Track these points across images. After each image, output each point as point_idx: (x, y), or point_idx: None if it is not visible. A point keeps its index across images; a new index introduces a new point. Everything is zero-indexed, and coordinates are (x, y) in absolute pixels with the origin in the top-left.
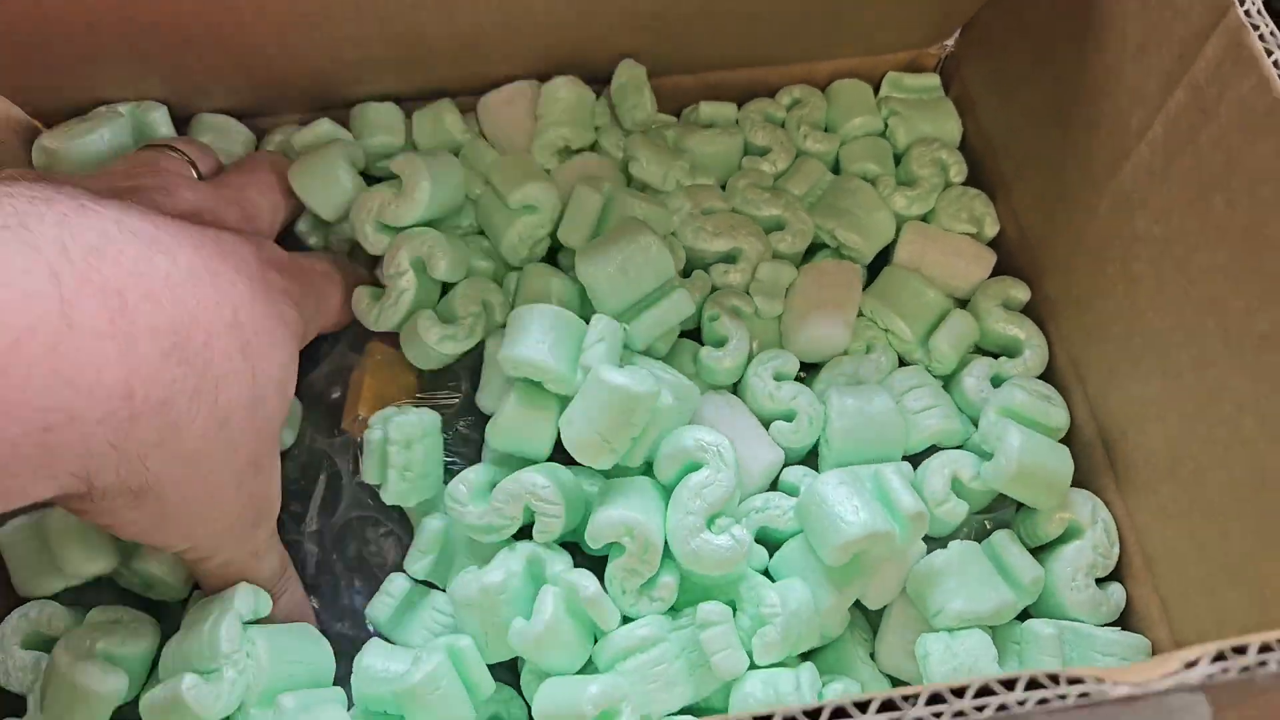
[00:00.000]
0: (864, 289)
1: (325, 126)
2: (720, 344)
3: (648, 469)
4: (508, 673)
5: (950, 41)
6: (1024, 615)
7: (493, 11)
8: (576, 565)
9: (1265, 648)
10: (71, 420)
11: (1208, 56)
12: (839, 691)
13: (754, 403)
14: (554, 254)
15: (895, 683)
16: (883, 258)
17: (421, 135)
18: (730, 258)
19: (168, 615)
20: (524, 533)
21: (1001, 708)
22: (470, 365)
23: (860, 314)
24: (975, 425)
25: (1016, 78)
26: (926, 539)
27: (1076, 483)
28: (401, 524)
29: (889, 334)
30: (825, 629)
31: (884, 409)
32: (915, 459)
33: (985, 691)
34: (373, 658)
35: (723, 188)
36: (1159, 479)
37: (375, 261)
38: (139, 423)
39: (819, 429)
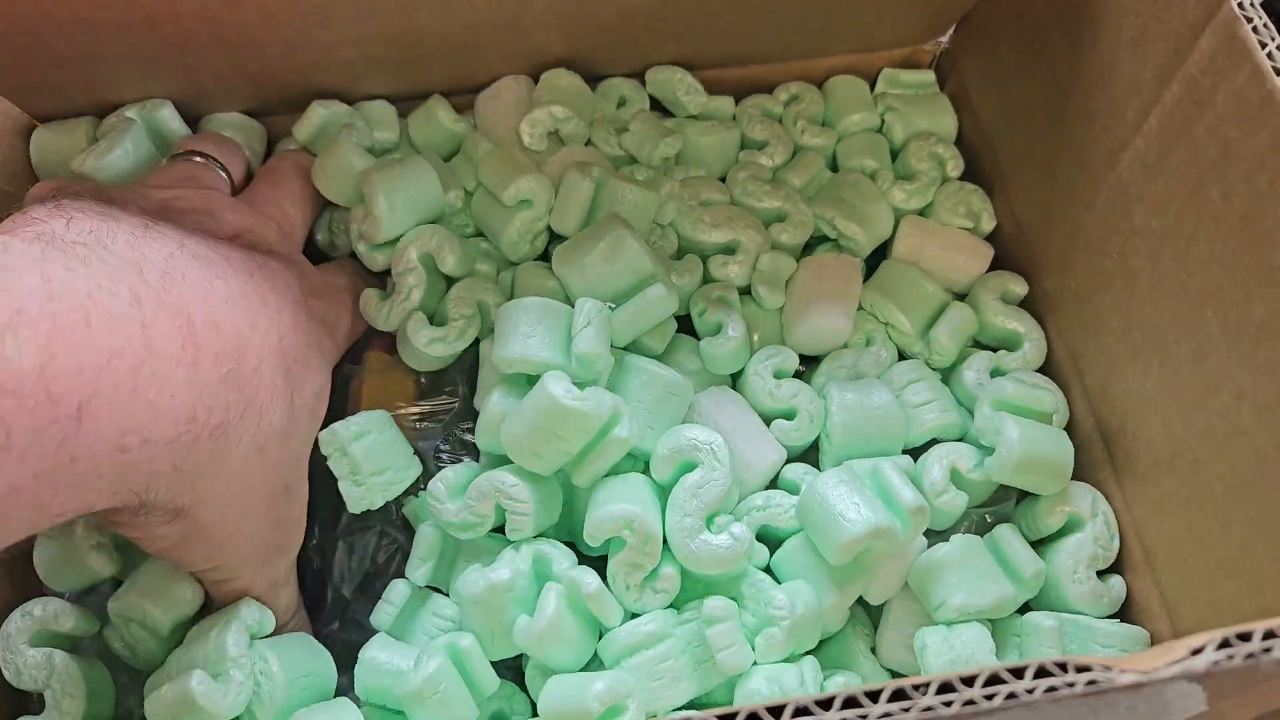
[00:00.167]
0: (863, 282)
1: (320, 112)
2: (716, 331)
3: (645, 468)
4: (510, 670)
5: (945, 38)
6: (1025, 608)
7: (489, 11)
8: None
9: (1269, 634)
10: (145, 442)
11: (1202, 49)
12: (841, 685)
13: (754, 401)
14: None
15: (896, 676)
16: (880, 253)
17: (417, 133)
18: (729, 249)
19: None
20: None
21: (1011, 696)
22: (467, 368)
23: (860, 307)
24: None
25: (1012, 73)
26: (927, 533)
27: (1076, 476)
28: (405, 533)
29: (888, 326)
30: (827, 626)
31: (884, 403)
32: (915, 453)
33: (994, 680)
34: (377, 651)
35: (722, 180)
36: (1158, 471)
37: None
38: (198, 445)
39: (820, 426)
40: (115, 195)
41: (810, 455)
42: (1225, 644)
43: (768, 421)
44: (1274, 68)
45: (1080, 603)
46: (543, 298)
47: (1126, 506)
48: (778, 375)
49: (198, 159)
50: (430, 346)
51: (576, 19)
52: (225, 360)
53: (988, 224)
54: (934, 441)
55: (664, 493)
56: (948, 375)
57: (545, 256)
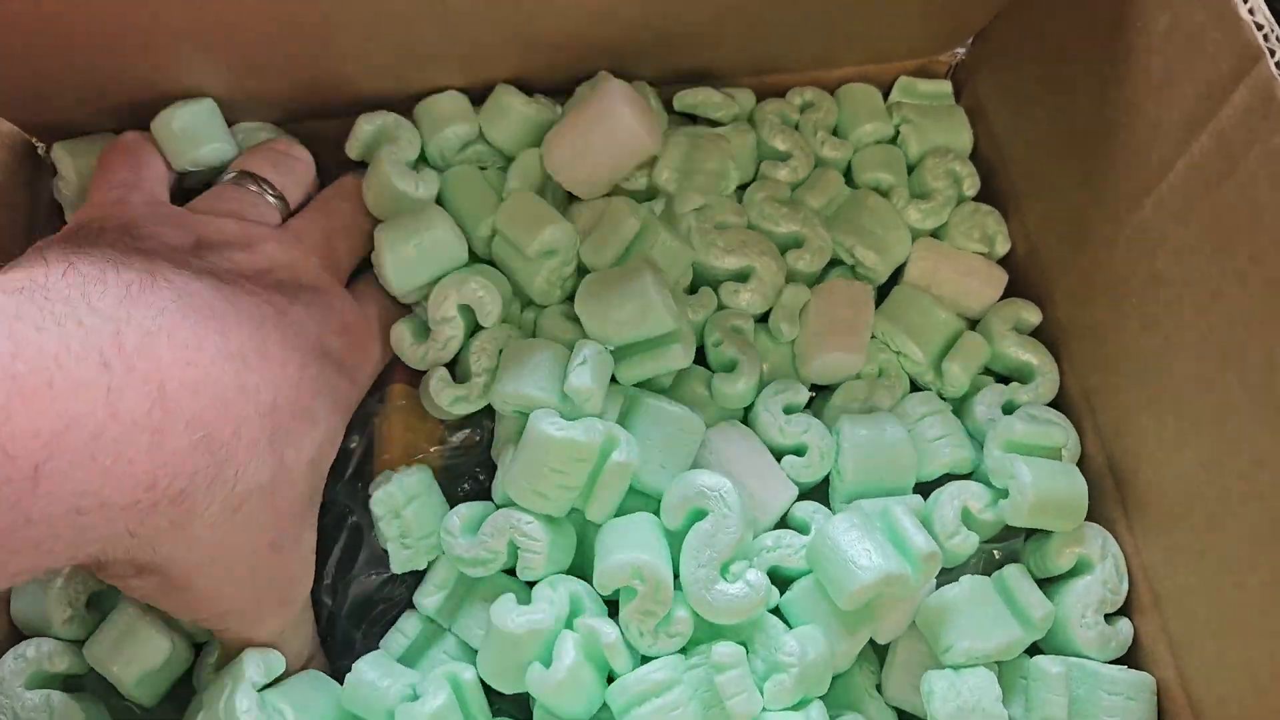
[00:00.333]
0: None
1: (365, 128)
2: (730, 368)
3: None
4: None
5: (961, 50)
6: (1033, 649)
7: (498, 22)
8: None
9: None
10: (102, 505)
11: (1235, 104)
12: None
13: (764, 436)
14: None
15: (902, 715)
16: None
17: (490, 127)
18: (741, 276)
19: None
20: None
21: None
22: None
23: (871, 335)
24: None
25: (1031, 93)
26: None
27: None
28: (415, 576)
29: (900, 356)
30: (836, 668)
31: (897, 439)
32: (927, 488)
33: None
34: (370, 669)
35: (741, 189)
36: (1172, 521)
37: None
38: (155, 511)
39: (830, 463)
40: (148, 229)
41: (819, 490)
42: None
43: (778, 457)
44: None
45: (1087, 647)
46: (551, 342)
47: (1136, 549)
48: (788, 410)
49: (251, 186)
50: (454, 406)
51: (586, 29)
52: (198, 426)
53: (1002, 247)
54: (946, 476)
55: (675, 538)
56: (959, 405)
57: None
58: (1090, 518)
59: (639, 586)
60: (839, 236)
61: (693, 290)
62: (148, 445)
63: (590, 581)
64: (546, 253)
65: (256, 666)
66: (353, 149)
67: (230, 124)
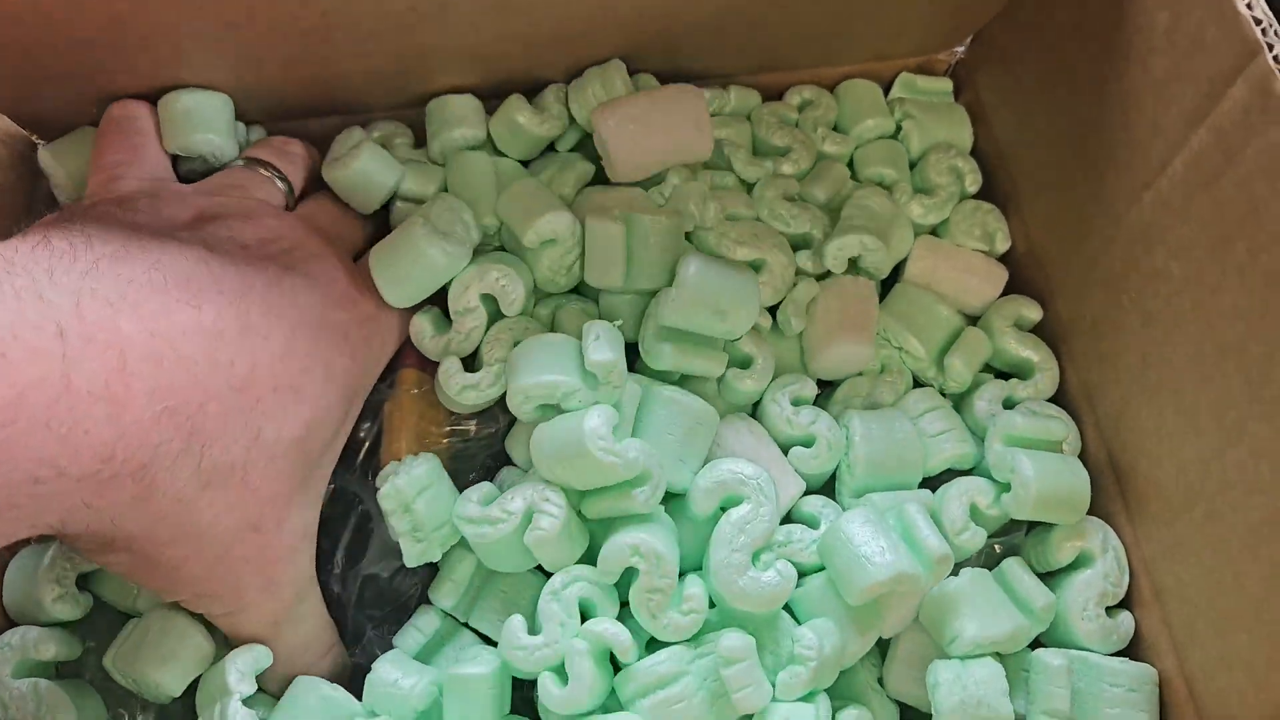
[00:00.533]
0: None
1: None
2: (745, 364)
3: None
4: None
5: (961, 48)
6: (1034, 643)
7: (498, 20)
8: None
9: None
10: (59, 475)
11: (1234, 99)
12: (854, 719)
13: (771, 428)
14: None
15: (904, 709)
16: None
17: (500, 139)
18: (753, 269)
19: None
20: None
21: None
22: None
23: None
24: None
25: (1030, 91)
26: None
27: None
28: (432, 574)
29: (902, 352)
30: (842, 666)
31: (906, 434)
32: (929, 483)
33: None
34: (391, 669)
35: (750, 188)
36: (1172, 513)
37: None
38: (115, 484)
39: (839, 454)
40: (142, 202)
41: (824, 486)
42: None
43: (785, 450)
44: None
45: (1089, 640)
46: (559, 334)
47: (1137, 542)
48: (796, 403)
49: (261, 170)
50: (462, 394)
51: (583, 29)
52: (160, 397)
53: (1002, 245)
54: (948, 472)
55: (698, 525)
56: (959, 401)
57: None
58: (1091, 512)
59: (639, 563)
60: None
61: None
62: (105, 416)
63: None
64: (546, 241)
65: (239, 678)
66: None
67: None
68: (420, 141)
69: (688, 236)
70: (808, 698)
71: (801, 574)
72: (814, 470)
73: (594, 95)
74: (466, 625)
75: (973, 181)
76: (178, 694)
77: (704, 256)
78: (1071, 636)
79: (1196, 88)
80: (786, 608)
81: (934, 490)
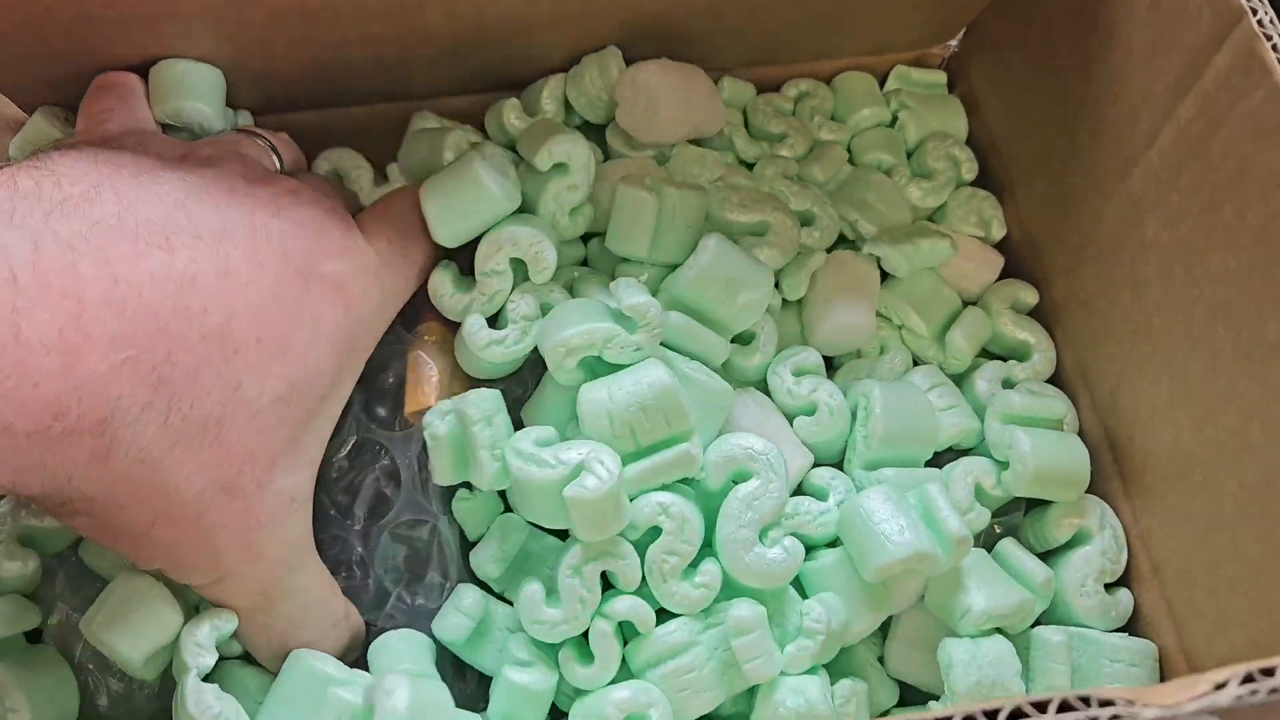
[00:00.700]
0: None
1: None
2: (748, 340)
3: None
4: None
5: (954, 41)
6: (1035, 621)
7: (497, 9)
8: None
9: None
10: (4, 432)
11: (1218, 65)
12: (848, 689)
13: (775, 401)
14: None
15: (904, 688)
16: None
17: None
18: (758, 231)
19: None
20: None
21: None
22: (536, 362)
23: None
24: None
25: (1021, 79)
26: None
27: None
28: (454, 529)
29: (903, 330)
30: (846, 642)
31: (923, 408)
32: (932, 460)
33: (1018, 715)
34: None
35: (750, 168)
36: (1167, 485)
37: None
38: (70, 441)
39: (842, 421)
40: (129, 141)
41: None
42: (1249, 679)
43: (790, 421)
44: None
45: (1088, 616)
46: (585, 298)
47: (1135, 519)
48: (798, 373)
49: (257, 140)
50: (487, 350)
51: (579, 20)
52: (123, 346)
53: (998, 232)
54: (950, 450)
55: (708, 499)
56: (957, 383)
57: (587, 237)
58: (1089, 490)
59: (664, 523)
60: (844, 212)
61: None
62: (59, 368)
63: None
64: (557, 165)
65: (197, 653)
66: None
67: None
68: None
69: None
70: (810, 671)
71: (810, 547)
72: (818, 438)
73: (591, 83)
74: (501, 597)
75: (969, 170)
76: (140, 664)
77: (726, 237)
78: (1070, 614)
79: (1181, 58)
80: (796, 581)
81: (935, 467)
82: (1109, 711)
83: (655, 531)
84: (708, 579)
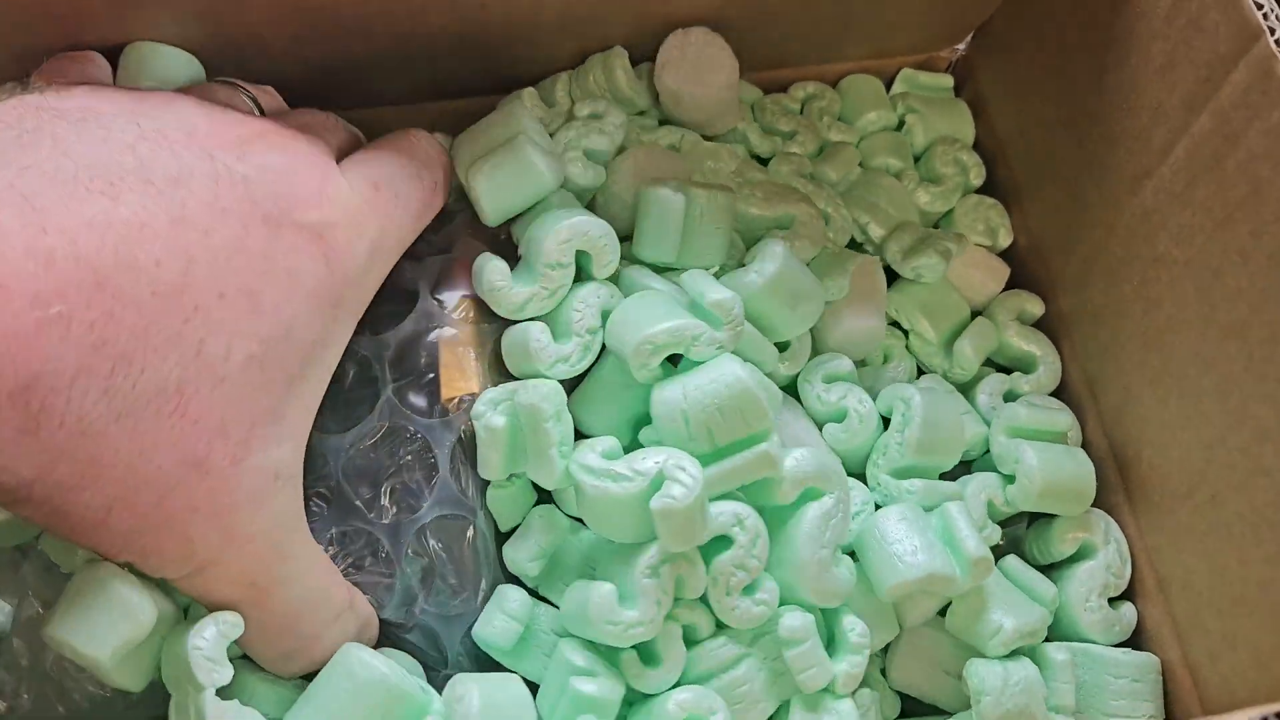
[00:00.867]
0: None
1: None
2: (783, 348)
3: None
4: None
5: (962, 45)
6: None
7: (504, 10)
8: None
9: None
10: None
11: (1235, 83)
12: (868, 700)
13: (806, 408)
14: None
15: (905, 699)
16: None
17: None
18: (782, 224)
19: None
20: None
21: None
22: None
23: None
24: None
25: (1031, 84)
26: None
27: None
28: (490, 526)
29: (909, 336)
30: None
31: (956, 418)
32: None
33: None
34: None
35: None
36: (1175, 502)
37: None
38: None
39: (871, 427)
40: (77, 91)
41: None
42: None
43: (820, 428)
44: None
45: (1092, 631)
46: (647, 292)
47: (1140, 533)
48: (828, 380)
49: (240, 94)
50: (554, 369)
51: (588, 24)
52: (49, 302)
53: (1005, 239)
54: (960, 461)
55: (769, 514)
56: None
57: None
58: (1094, 504)
59: (738, 535)
60: (855, 214)
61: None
62: None
63: None
64: (591, 115)
65: (208, 668)
66: None
67: None
68: None
69: None
70: None
71: None
72: (848, 446)
73: (595, 82)
74: (534, 593)
75: (977, 175)
76: (110, 665)
77: (784, 243)
78: (1074, 628)
79: (1197, 72)
80: None
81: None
82: None
83: (722, 541)
84: (768, 596)
